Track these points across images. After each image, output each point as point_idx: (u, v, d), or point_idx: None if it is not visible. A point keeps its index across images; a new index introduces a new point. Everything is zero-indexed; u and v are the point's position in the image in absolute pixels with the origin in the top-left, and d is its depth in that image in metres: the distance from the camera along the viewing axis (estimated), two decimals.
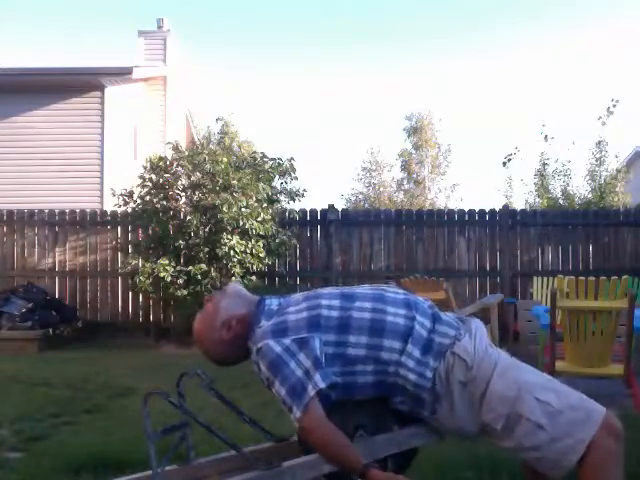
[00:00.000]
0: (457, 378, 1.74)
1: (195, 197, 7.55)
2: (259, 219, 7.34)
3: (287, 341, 1.74)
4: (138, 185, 7.69)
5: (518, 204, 13.74)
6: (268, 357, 1.74)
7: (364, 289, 1.93)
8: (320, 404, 1.69)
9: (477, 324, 1.88)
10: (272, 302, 1.93)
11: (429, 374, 1.75)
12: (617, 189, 12.27)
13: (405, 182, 24.49)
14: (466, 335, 1.81)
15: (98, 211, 8.63)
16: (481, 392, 1.72)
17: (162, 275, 7.10)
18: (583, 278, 3.64)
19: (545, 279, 7.48)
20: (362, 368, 1.76)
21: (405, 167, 24.16)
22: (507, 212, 8.58)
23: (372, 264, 8.46)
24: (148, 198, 7.63)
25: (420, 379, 1.75)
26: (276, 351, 1.73)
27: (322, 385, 1.67)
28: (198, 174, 7.58)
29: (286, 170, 8.12)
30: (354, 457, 1.64)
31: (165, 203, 7.59)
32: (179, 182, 7.74)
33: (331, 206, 8.47)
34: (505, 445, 1.71)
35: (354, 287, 1.96)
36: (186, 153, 7.84)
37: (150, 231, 7.59)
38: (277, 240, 7.74)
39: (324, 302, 1.83)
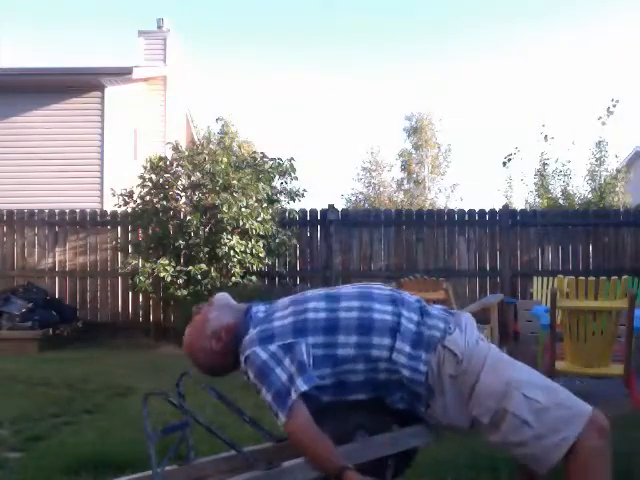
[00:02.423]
0: (447, 372, 1.74)
1: (195, 197, 7.56)
2: (259, 219, 7.35)
3: (273, 347, 1.74)
4: (138, 185, 7.70)
5: (518, 204, 13.72)
6: (255, 364, 1.74)
7: (349, 289, 1.92)
8: (306, 407, 1.69)
9: (467, 318, 1.87)
10: (259, 309, 1.93)
11: (422, 367, 1.75)
12: (617, 189, 12.24)
13: (405, 182, 24.47)
14: (456, 329, 1.80)
15: (98, 211, 8.63)
16: (471, 386, 1.71)
17: (162, 275, 7.11)
18: (583, 278, 3.64)
19: (545, 279, 7.49)
20: (352, 367, 1.76)
21: (405, 167, 24.13)
22: (507, 212, 8.58)
23: (372, 264, 8.46)
24: (148, 198, 7.63)
25: (414, 373, 1.75)
26: (262, 358, 1.73)
27: (303, 388, 1.67)
28: (198, 174, 7.58)
29: (286, 170, 8.12)
30: (333, 459, 1.63)
31: (165, 203, 7.59)
32: (179, 182, 7.74)
33: (331, 206, 8.47)
34: (492, 440, 1.72)
35: (339, 287, 1.96)
36: (186, 153, 7.85)
37: (150, 231, 7.59)
38: (277, 240, 7.74)
39: (311, 305, 1.83)
